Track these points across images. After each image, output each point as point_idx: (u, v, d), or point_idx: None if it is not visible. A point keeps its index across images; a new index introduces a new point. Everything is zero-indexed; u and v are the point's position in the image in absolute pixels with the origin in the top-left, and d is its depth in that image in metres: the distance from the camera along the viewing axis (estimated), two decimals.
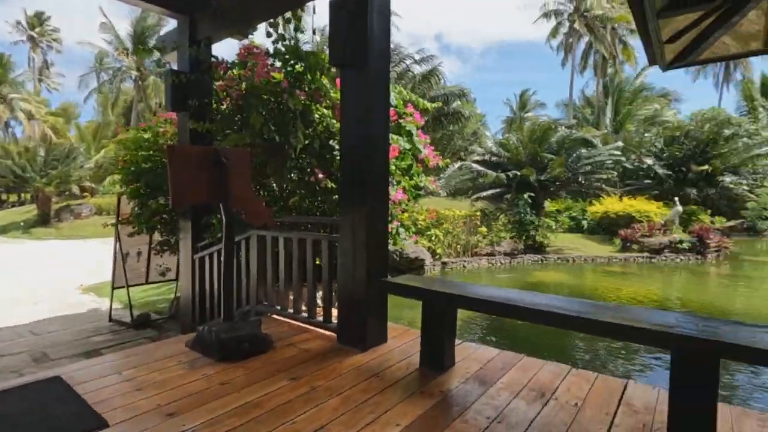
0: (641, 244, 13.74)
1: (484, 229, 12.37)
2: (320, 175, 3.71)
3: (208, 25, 4.11)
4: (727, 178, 19.91)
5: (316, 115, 3.94)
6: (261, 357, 2.76)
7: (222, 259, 2.98)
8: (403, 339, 3.14)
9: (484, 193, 13.92)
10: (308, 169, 3.87)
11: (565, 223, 17.83)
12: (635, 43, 33.71)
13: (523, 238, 12.89)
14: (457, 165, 12.57)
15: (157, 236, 5.11)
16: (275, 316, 3.61)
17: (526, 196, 12.76)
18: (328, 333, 3.20)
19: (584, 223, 17.97)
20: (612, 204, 16.74)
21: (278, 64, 3.86)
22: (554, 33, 33.49)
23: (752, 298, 8.83)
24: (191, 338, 2.94)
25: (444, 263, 10.73)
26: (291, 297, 3.49)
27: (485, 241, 12.50)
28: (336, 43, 2.77)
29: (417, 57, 12.21)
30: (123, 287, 5.09)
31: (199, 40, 4.13)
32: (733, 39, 7.60)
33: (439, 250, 10.70)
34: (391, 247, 6.87)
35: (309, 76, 3.74)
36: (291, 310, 3.49)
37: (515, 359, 2.82)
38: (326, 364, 2.69)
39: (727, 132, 19.90)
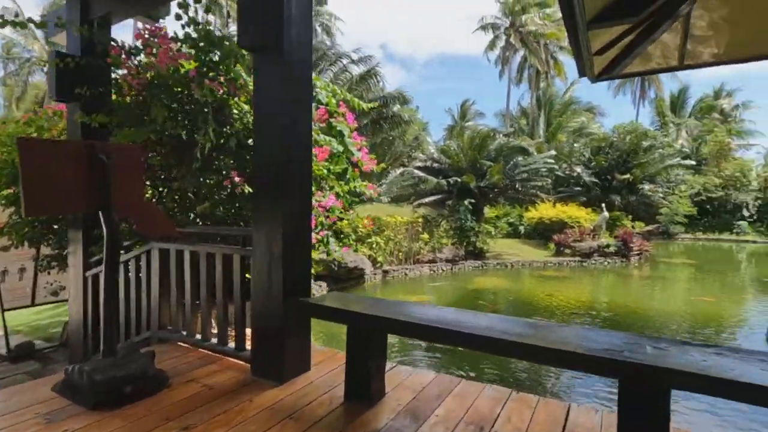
0: (573, 248, 14.41)
1: (426, 235, 12.30)
2: (237, 179, 3.24)
3: (104, 2, 3.51)
4: (646, 186, 21.64)
5: (235, 111, 3.47)
6: (149, 401, 2.24)
7: (109, 278, 2.42)
8: (329, 365, 2.76)
9: (426, 200, 13.92)
10: (224, 172, 3.38)
11: (503, 228, 18.36)
12: (565, 59, 36.06)
13: (464, 244, 12.99)
14: (399, 171, 12.41)
15: (46, 249, 4.32)
16: (181, 344, 3.08)
17: (466, 202, 12.89)
18: (240, 363, 2.74)
19: (521, 228, 18.64)
20: (546, 210, 17.50)
21: (191, 51, 3.35)
22: (492, 46, 34.91)
23: (670, 297, 9.45)
24: (60, 380, 2.36)
25: (385, 272, 10.46)
26: (199, 321, 2.99)
27: (427, 247, 12.43)
28: (244, 22, 2.36)
29: (354, 57, 11.99)
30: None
31: (92, 18, 3.51)
32: (653, 55, 8.05)
33: (380, 258, 10.43)
34: (326, 257, 6.46)
35: (224, 66, 3.28)
36: (199, 337, 2.99)
37: (452, 384, 2.54)
38: (232, 404, 2.24)
39: (645, 144, 21.66)
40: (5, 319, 4.24)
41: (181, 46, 3.21)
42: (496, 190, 14.67)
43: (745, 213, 28.61)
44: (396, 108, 10.73)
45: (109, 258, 2.35)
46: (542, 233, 17.38)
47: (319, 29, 34.66)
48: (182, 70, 3.29)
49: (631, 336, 1.86)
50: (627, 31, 7.00)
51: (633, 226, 19.57)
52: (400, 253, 11.71)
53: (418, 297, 8.61)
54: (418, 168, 14.02)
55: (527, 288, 10.35)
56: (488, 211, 20.59)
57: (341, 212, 4.62)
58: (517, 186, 14.89)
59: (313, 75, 4.08)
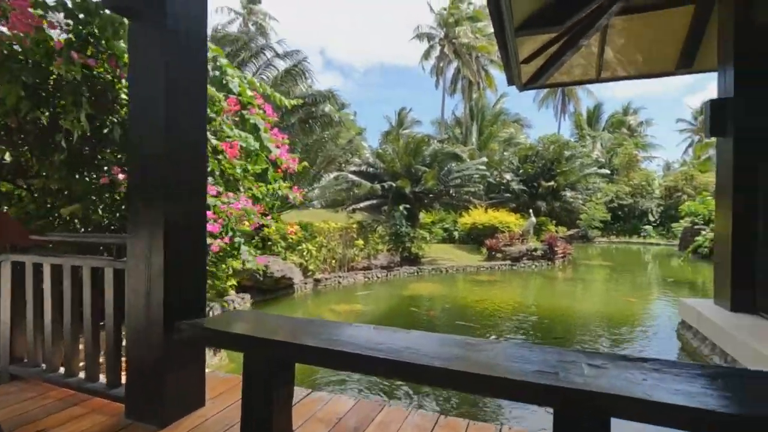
0: (504, 252, 14.89)
1: (360, 242, 11.99)
2: (120, 176, 2.69)
3: None
4: (568, 193, 23.15)
5: (124, 96, 2.91)
6: None
7: None
8: (231, 397, 2.32)
9: (361, 205, 13.66)
10: (105, 167, 2.81)
11: (438, 234, 18.60)
12: (495, 72, 37.91)
13: (400, 250, 12.88)
14: (333, 175, 12.02)
15: None
16: (41, 382, 2.46)
17: (401, 207, 12.80)
18: (113, 403, 2.20)
19: (456, 233, 19.02)
20: (479, 216, 18.01)
21: (69, 22, 2.75)
22: (426, 55, 35.78)
23: (593, 297, 9.98)
24: None
25: (317, 280, 9.99)
26: (62, 352, 2.40)
27: (362, 254, 12.13)
28: None
29: (280, 50, 11.38)
30: None
31: None
32: (574, 68, 8.28)
33: (311, 266, 9.94)
34: (247, 266, 5.91)
35: (105, 39, 2.72)
36: (62, 371, 2.39)
37: (374, 411, 2.22)
38: None
39: (567, 153, 23.21)
40: None
41: (46, 14, 2.61)
42: (431, 195, 14.79)
43: (650, 218, 31.74)
44: (328, 108, 10.34)
45: None
46: (475, 238, 17.84)
47: (252, 28, 33.35)
48: (51, 43, 2.68)
49: (566, 353, 1.65)
50: (552, 41, 7.09)
51: (557, 231, 20.80)
52: (334, 261, 11.29)
53: (350, 306, 8.26)
54: (353, 172, 13.73)
55: (461, 293, 10.41)
56: (424, 217, 20.81)
57: (263, 218, 4.15)
58: (451, 192, 15.13)
59: (227, 62, 3.61)
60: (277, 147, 3.78)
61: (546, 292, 10.98)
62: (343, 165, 16.23)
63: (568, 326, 7.20)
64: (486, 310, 7.93)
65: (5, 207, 2.73)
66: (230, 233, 3.28)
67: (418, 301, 8.90)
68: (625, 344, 6.11)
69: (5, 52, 2.51)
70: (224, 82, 3.38)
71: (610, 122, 44.11)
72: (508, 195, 23.36)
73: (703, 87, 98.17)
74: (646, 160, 40.12)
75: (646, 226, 31.09)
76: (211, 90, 3.25)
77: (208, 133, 2.70)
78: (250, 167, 3.78)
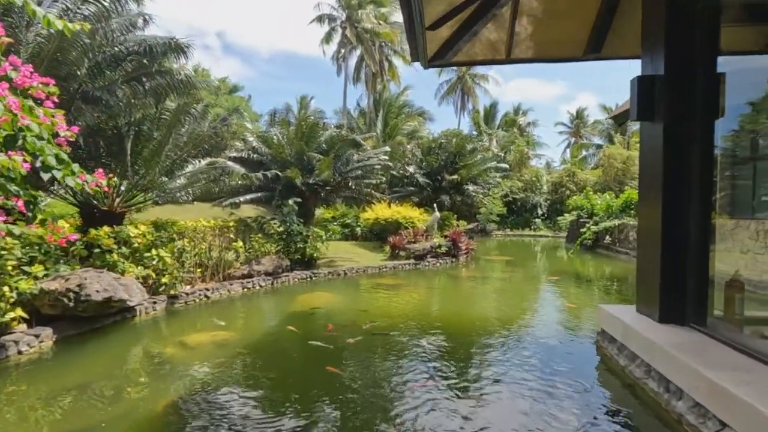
0: (408, 250, 13.75)
1: (239, 243, 9.76)
2: None
3: None
4: (470, 187, 23.11)
5: None
6: None
7: None
8: None
9: (242, 198, 11.33)
10: None
11: (335, 231, 16.91)
12: (399, 63, 37.28)
13: (292, 251, 10.90)
14: (205, 161, 9.56)
15: None
16: None
17: (291, 201, 10.80)
18: None
19: (358, 230, 17.54)
20: (382, 211, 16.73)
21: None
22: (327, 39, 33.70)
23: (499, 299, 9.16)
24: None
25: (173, 297, 7.60)
26: None
27: (242, 258, 9.92)
28: None
29: None
30: None
31: None
32: (484, 45, 7.05)
33: (165, 279, 7.51)
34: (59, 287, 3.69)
35: None
36: None
37: None
38: None
39: (469, 147, 23.14)
40: None
41: None
42: (327, 187, 12.98)
43: (539, 212, 33.87)
44: (176, 65, 7.81)
45: None
46: (378, 234, 16.55)
47: None
48: None
49: None
50: (462, 4, 5.57)
51: (458, 225, 20.51)
52: (202, 269, 8.93)
53: (210, 334, 6.14)
54: (233, 159, 11.34)
55: (360, 302, 8.83)
56: (323, 212, 18.94)
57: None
58: (350, 184, 13.50)
59: None
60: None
61: (450, 293, 9.95)
62: (227, 149, 13.65)
63: (476, 332, 6.06)
64: (386, 323, 6.41)
65: None
66: None
67: (304, 319, 7.09)
68: (539, 351, 5.01)
69: None
70: None
71: (504, 121, 46.66)
72: (412, 188, 22.58)
73: (574, 97, 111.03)
74: (535, 157, 43.15)
75: (536, 219, 33.10)
76: None
77: None
78: None
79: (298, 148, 12.08)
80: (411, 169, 22.30)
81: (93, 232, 6.88)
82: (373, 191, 15.44)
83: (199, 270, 8.75)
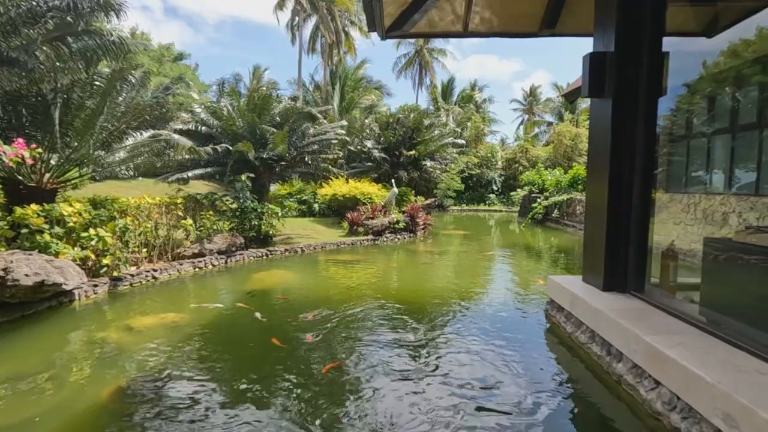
0: (366, 226, 13.71)
1: (188, 221, 9.29)
2: None
3: None
4: (428, 163, 23.23)
5: None
6: None
7: None
8: None
9: (190, 174, 10.72)
10: None
11: (292, 208, 16.58)
12: (356, 35, 36.22)
13: (246, 228, 10.54)
14: (147, 134, 8.88)
15: None
16: None
17: (244, 177, 10.36)
18: None
19: (315, 206, 17.26)
20: (339, 186, 16.51)
21: None
22: (281, 5, 32.03)
23: (456, 270, 9.38)
24: None
25: (116, 279, 7.15)
26: None
27: (193, 237, 9.47)
28: None
29: None
30: None
31: None
32: (442, 17, 6.89)
33: (107, 260, 7.03)
34: None
35: None
36: None
37: None
38: None
39: (426, 122, 23.12)
40: None
41: None
42: (282, 163, 12.55)
43: (494, 187, 34.82)
44: (108, 26, 7.07)
45: None
46: (336, 210, 16.38)
47: None
48: None
49: None
50: None
51: (416, 201, 20.69)
52: (151, 249, 8.44)
53: (159, 317, 5.85)
54: (180, 131, 10.62)
55: (318, 280, 8.74)
56: (279, 188, 18.43)
57: None
58: (306, 159, 13.12)
59: None
60: None
61: (409, 268, 10.08)
62: (173, 121, 12.73)
63: (435, 307, 6.19)
64: (344, 300, 6.39)
65: None
66: None
67: (259, 299, 6.92)
68: (492, 320, 5.22)
69: None
70: None
71: (461, 97, 46.96)
72: (370, 164, 22.39)
73: (528, 74, 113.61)
74: (490, 134, 43.96)
75: (491, 195, 34.04)
76: None
77: None
78: None
79: (250, 121, 11.50)
80: (369, 144, 22.04)
81: (19, 210, 6.25)
82: (330, 167, 15.14)
83: (145, 250, 8.27)
